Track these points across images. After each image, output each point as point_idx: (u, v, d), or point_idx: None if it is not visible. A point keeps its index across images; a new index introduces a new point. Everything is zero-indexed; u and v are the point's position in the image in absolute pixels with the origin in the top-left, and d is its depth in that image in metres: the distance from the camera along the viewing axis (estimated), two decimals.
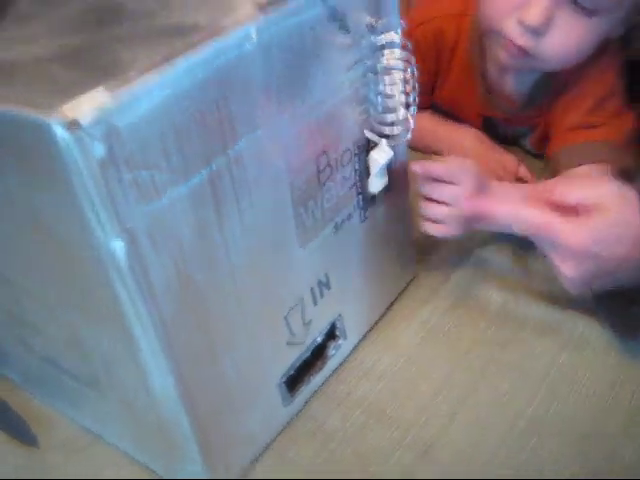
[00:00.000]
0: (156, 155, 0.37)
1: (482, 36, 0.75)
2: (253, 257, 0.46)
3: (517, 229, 0.57)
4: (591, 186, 0.56)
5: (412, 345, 0.62)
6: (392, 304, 0.65)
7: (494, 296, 0.66)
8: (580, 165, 0.69)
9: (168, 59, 0.37)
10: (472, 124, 0.83)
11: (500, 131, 0.84)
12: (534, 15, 0.63)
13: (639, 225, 0.53)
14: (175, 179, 0.38)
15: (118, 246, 0.37)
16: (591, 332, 0.61)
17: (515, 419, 0.54)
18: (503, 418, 0.55)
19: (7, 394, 0.60)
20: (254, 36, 0.40)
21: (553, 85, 0.75)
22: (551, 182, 0.60)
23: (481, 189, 0.60)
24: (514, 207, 0.56)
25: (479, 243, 0.71)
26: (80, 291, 0.43)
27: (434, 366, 0.60)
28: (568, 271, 0.55)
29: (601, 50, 0.70)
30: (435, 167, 0.60)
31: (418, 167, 0.60)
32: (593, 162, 0.69)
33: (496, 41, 0.69)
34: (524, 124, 0.82)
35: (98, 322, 0.44)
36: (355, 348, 0.61)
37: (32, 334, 0.52)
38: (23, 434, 0.56)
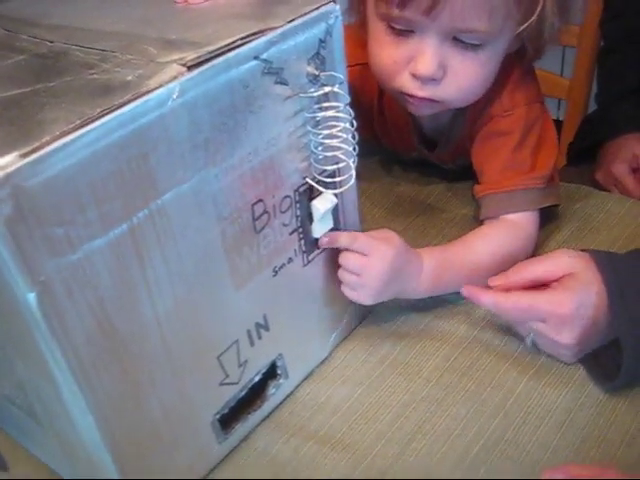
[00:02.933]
0: (71, 212, 0.39)
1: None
2: (181, 303, 0.47)
3: (502, 316, 0.62)
4: (551, 257, 0.62)
5: (371, 377, 0.63)
6: (348, 340, 0.66)
7: (459, 326, 0.67)
8: (500, 214, 0.70)
9: (86, 121, 0.38)
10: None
11: (445, 167, 0.85)
12: (426, 65, 0.63)
13: (601, 280, 0.57)
14: (92, 233, 0.40)
15: (31, 298, 0.38)
16: (552, 361, 0.62)
17: (469, 446, 0.56)
18: (457, 446, 0.56)
19: None
20: (175, 95, 0.42)
21: (467, 116, 0.75)
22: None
23: (403, 265, 0.62)
24: (494, 298, 0.60)
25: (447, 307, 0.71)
26: (11, 332, 0.45)
27: (392, 395, 0.61)
28: (566, 339, 0.58)
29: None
30: (342, 238, 0.59)
31: (325, 239, 0.59)
32: (515, 211, 0.70)
33: (400, 97, 0.69)
34: (451, 161, 0.83)
35: (27, 362, 0.46)
36: (307, 383, 0.62)
37: None
38: None
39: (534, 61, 0.74)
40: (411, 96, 0.67)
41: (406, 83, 0.66)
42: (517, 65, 0.72)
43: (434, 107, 0.69)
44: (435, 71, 0.63)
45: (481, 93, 0.69)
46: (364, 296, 0.61)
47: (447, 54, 0.64)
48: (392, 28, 0.65)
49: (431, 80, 0.65)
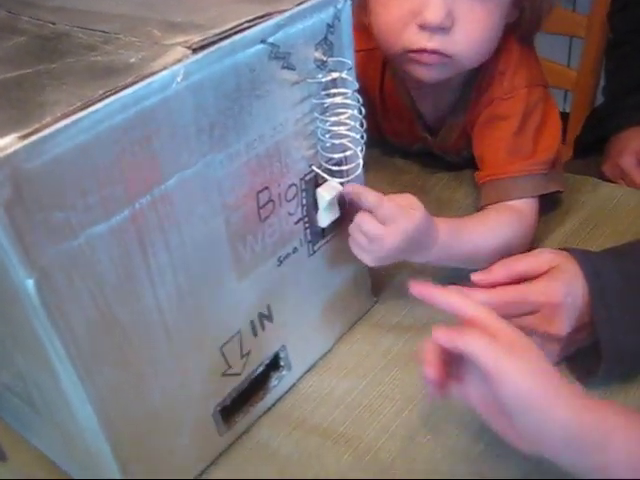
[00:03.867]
0: (71, 196, 0.38)
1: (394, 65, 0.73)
2: (183, 292, 0.46)
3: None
4: (533, 254, 0.61)
5: (374, 370, 0.62)
6: (351, 332, 0.65)
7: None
8: (502, 201, 0.69)
9: (88, 104, 0.37)
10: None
11: (448, 159, 0.84)
12: (434, 13, 0.62)
13: (583, 276, 0.56)
14: (94, 219, 0.39)
15: (29, 284, 0.37)
16: None
17: (473, 442, 0.55)
18: (462, 440, 0.55)
19: None
20: (180, 78, 0.41)
21: (469, 100, 0.74)
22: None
23: (420, 237, 0.60)
24: (485, 294, 0.58)
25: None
26: (10, 321, 0.44)
27: (396, 388, 0.60)
28: (556, 329, 0.57)
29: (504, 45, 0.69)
30: (369, 197, 0.57)
31: (350, 188, 0.56)
32: (516, 198, 0.69)
33: (407, 60, 0.67)
34: (454, 151, 0.82)
35: (26, 351, 0.45)
36: (310, 375, 0.62)
37: None
38: None
39: (532, 35, 0.73)
40: (420, 53, 0.65)
41: (414, 37, 0.64)
42: (517, 46, 0.71)
43: (444, 67, 0.67)
44: (444, 19, 0.62)
45: (487, 53, 0.68)
46: (369, 259, 0.59)
47: (455, 3, 0.63)
48: None
49: (440, 30, 0.63)
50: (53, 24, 0.49)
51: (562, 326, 0.57)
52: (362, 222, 0.57)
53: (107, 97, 0.38)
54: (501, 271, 0.60)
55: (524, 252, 0.68)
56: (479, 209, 0.72)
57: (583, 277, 0.57)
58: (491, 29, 0.66)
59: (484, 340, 0.44)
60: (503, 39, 0.69)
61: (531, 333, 0.58)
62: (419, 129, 0.80)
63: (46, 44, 0.46)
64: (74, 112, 0.37)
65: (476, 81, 0.72)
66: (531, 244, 0.70)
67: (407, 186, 0.82)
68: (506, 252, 0.64)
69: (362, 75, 0.72)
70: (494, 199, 0.70)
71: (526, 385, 0.43)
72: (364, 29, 0.69)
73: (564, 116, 0.79)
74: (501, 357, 0.44)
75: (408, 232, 0.58)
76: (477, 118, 0.73)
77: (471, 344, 0.44)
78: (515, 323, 0.58)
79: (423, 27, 0.63)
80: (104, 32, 0.46)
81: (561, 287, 0.57)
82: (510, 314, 0.58)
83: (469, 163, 0.78)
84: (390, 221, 0.57)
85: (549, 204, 0.72)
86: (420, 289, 0.49)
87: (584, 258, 0.58)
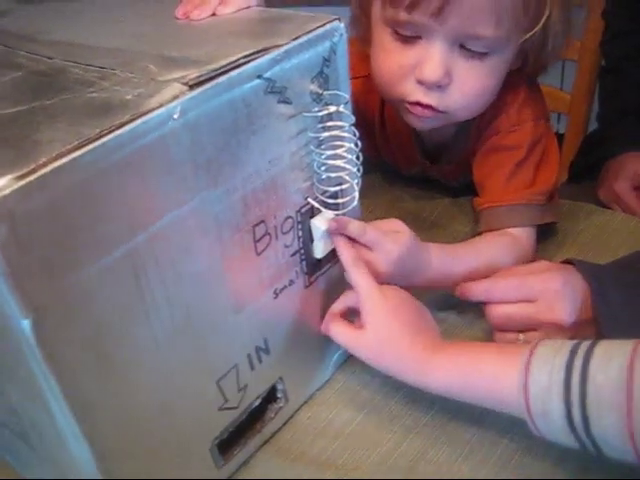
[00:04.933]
0: (68, 235, 0.38)
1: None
2: (179, 327, 0.46)
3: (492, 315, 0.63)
4: (533, 263, 0.65)
5: (373, 401, 0.61)
6: (349, 363, 0.65)
7: None
8: (500, 228, 0.71)
9: (84, 143, 0.37)
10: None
11: (450, 185, 0.84)
12: (432, 70, 0.62)
13: (583, 278, 0.60)
14: (90, 257, 0.39)
15: (26, 324, 0.37)
16: None
17: (475, 470, 0.55)
18: (463, 472, 0.55)
19: None
20: (177, 116, 0.41)
21: (471, 130, 0.75)
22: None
23: (410, 260, 0.60)
24: (485, 285, 0.62)
25: (441, 298, 0.70)
26: (3, 358, 0.43)
27: (395, 419, 0.60)
28: (559, 315, 0.59)
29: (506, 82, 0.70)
30: (351, 227, 0.56)
31: (333, 223, 0.55)
32: (514, 226, 0.70)
33: (402, 108, 0.68)
34: (453, 177, 0.83)
35: (20, 388, 0.45)
36: (308, 407, 0.61)
37: None
38: None
39: (538, 76, 0.74)
40: (414, 105, 0.66)
41: (410, 90, 0.65)
42: (525, 82, 0.72)
43: (437, 119, 0.68)
44: (441, 76, 0.63)
45: (484, 106, 0.69)
46: None
47: (454, 62, 0.63)
48: (398, 34, 0.64)
49: (436, 87, 0.64)
50: (50, 59, 0.49)
51: (564, 313, 0.58)
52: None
53: (103, 136, 0.38)
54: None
55: None
56: (477, 235, 0.72)
57: (582, 278, 0.59)
58: (489, 86, 0.67)
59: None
60: (509, 75, 0.69)
61: (538, 325, 0.60)
62: (418, 155, 0.81)
63: (42, 80, 0.46)
64: (70, 152, 0.37)
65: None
66: None
67: (404, 213, 0.82)
68: None
69: (362, 100, 0.73)
70: (492, 226, 0.71)
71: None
72: (365, 57, 0.70)
73: (558, 137, 0.80)
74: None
75: (393, 256, 0.58)
76: (480, 147, 0.74)
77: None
78: (519, 314, 0.61)
79: (420, 82, 0.64)
80: (101, 67, 0.46)
81: (559, 276, 0.60)
82: (510, 299, 0.61)
83: (468, 188, 0.79)
84: (376, 247, 0.58)
85: (546, 232, 0.73)
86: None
87: (580, 262, 0.61)
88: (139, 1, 0.62)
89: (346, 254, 0.56)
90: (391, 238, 0.59)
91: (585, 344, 0.49)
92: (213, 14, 0.55)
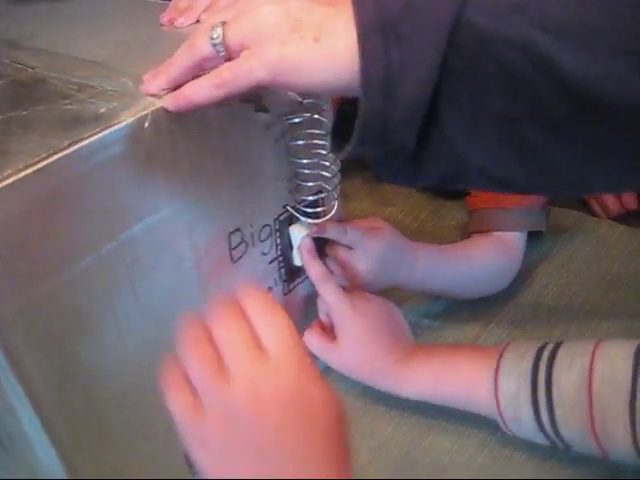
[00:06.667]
0: (35, 246, 0.38)
1: None
2: (152, 338, 0.46)
3: None
4: None
5: (353, 409, 0.61)
6: (330, 370, 0.64)
7: None
8: (490, 231, 0.70)
9: (51, 154, 0.38)
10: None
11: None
12: None
13: None
14: (57, 267, 0.39)
15: None
16: None
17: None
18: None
19: None
20: (146, 124, 0.41)
21: None
22: None
23: (394, 257, 0.60)
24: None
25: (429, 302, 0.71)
26: None
27: (375, 428, 0.59)
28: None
29: None
30: (330, 229, 0.56)
31: (314, 228, 0.55)
32: (503, 230, 0.69)
33: None
34: None
35: None
36: None
37: None
38: None
39: None
40: None
41: None
42: None
43: None
44: None
45: None
46: (352, 289, 0.60)
47: None
48: None
49: None
50: (32, 68, 0.50)
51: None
52: (332, 252, 0.59)
53: (71, 146, 0.38)
54: None
55: (508, 284, 0.68)
56: (466, 235, 0.72)
57: None
58: None
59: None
60: None
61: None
62: None
63: (21, 90, 0.47)
64: (35, 163, 0.37)
65: None
66: (515, 276, 0.70)
67: (389, 219, 0.81)
68: (489, 281, 0.64)
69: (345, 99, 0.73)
70: (482, 227, 0.71)
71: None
72: None
73: None
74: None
75: (376, 253, 0.59)
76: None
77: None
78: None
79: None
80: (79, 80, 0.47)
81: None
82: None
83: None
84: (357, 245, 0.58)
85: (535, 238, 0.72)
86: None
87: None
88: (126, 6, 0.63)
89: (314, 271, 0.56)
90: (371, 234, 0.59)
91: (549, 347, 0.50)
92: (197, 21, 0.55)
